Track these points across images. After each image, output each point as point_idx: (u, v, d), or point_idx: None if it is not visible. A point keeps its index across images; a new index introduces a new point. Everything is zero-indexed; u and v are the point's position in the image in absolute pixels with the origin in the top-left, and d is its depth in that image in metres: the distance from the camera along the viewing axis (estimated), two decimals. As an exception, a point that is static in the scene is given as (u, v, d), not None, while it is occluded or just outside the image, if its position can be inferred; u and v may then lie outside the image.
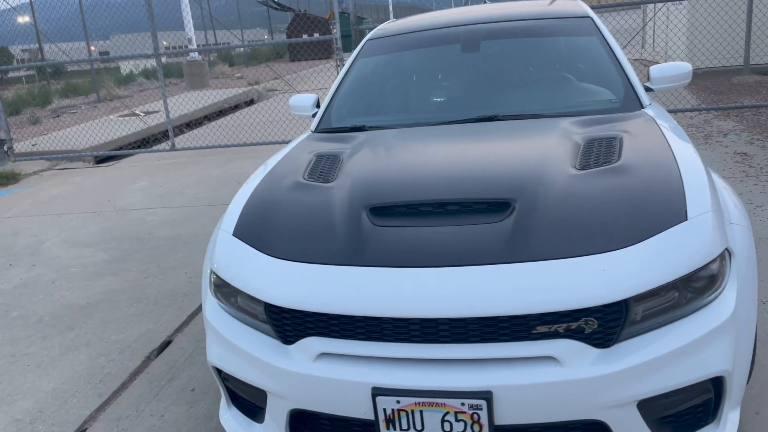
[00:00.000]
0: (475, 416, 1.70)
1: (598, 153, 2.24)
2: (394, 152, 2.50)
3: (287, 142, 7.57)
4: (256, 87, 15.14)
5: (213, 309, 2.19)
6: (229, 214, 2.34)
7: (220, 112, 12.62)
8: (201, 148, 8.09)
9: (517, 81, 3.04)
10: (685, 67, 2.97)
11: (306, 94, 3.48)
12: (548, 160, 2.18)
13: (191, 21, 16.05)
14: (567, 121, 2.60)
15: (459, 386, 1.70)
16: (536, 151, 2.28)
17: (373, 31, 3.66)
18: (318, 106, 3.46)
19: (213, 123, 10.91)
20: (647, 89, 3.07)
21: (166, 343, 3.28)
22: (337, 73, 7.09)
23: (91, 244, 5.02)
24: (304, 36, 18.73)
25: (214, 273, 2.17)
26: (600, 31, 3.21)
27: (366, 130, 2.94)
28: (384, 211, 2.04)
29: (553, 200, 1.94)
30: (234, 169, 7.01)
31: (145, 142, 9.75)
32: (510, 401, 1.69)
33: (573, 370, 1.68)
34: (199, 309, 3.62)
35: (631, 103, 2.80)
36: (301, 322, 1.89)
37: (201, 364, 3.02)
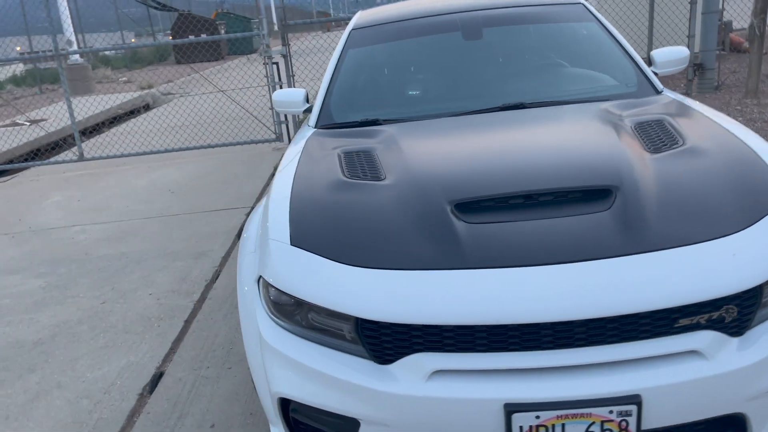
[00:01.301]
0: (623, 423, 1.57)
1: (658, 136, 2.18)
2: (447, 144, 2.31)
3: (215, 146, 7.10)
4: (150, 91, 14.20)
5: (272, 330, 1.91)
6: (273, 222, 2.06)
7: (114, 119, 11.69)
8: (119, 156, 7.39)
9: (529, 68, 2.95)
10: (683, 51, 3.01)
11: (291, 89, 3.19)
12: (620, 144, 2.09)
13: (70, 22, 14.77)
14: (598, 107, 2.54)
15: (606, 392, 1.56)
16: (600, 135, 2.18)
17: (355, 20, 3.43)
18: (308, 101, 3.19)
19: (114, 129, 10.05)
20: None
21: (158, 376, 2.88)
22: (266, 72, 6.74)
23: (17, 271, 4.39)
24: (191, 36, 17.80)
25: (275, 288, 1.88)
26: (596, 17, 3.19)
27: (382, 124, 2.73)
28: (471, 206, 1.86)
29: (656, 184, 1.85)
30: (160, 178, 6.46)
31: (39, 153, 8.80)
32: (659, 403, 1.57)
33: (719, 363, 1.59)
34: (185, 333, 3.23)
35: (647, 87, 2.80)
36: (405, 338, 1.66)
37: (211, 396, 2.67)
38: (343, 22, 21.35)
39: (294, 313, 1.85)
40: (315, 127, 2.91)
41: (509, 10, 3.21)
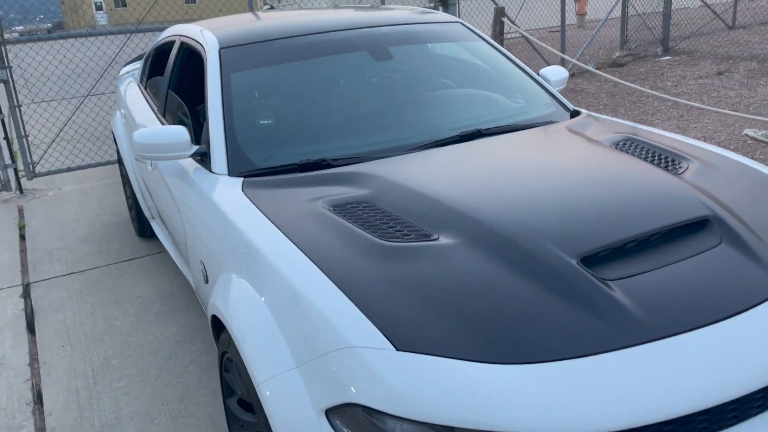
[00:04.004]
0: None
1: (654, 155, 2.16)
2: (481, 184, 1.91)
3: None
4: None
5: None
6: (341, 323, 1.44)
7: None
8: None
9: (458, 93, 2.69)
10: (564, 72, 3.11)
11: (163, 126, 2.37)
12: (656, 169, 2.00)
13: None
14: (560, 130, 2.42)
15: None
16: (622, 160, 2.06)
17: (218, 38, 2.72)
18: (196, 142, 2.41)
19: None
20: None
21: None
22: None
23: None
24: None
25: (402, 420, 1.29)
26: (480, 36, 3.10)
27: (333, 165, 2.19)
28: (598, 259, 1.56)
29: (731, 205, 1.79)
30: None
31: None
32: None
33: None
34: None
35: (564, 107, 2.80)
36: None
37: None
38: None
39: None
40: (233, 176, 2.21)
41: (401, 28, 2.91)
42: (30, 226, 4.79)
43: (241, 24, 2.94)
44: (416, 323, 1.40)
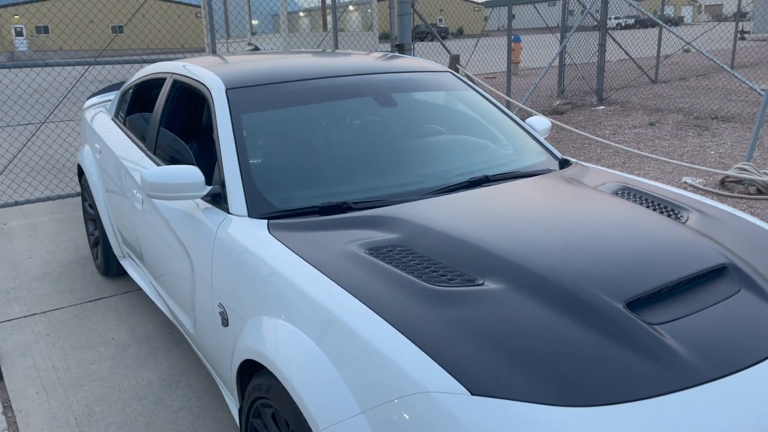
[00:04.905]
0: None
1: (654, 204, 2.32)
2: (508, 229, 1.99)
3: None
4: None
5: None
6: (413, 367, 1.45)
7: None
8: None
9: (451, 140, 2.79)
10: (547, 122, 3.28)
11: (172, 166, 2.33)
12: (662, 217, 2.14)
13: None
14: (561, 178, 2.55)
15: None
16: (634, 210, 2.19)
17: (222, 79, 2.71)
18: (209, 183, 2.37)
19: None
20: None
21: None
22: None
23: None
24: None
25: None
26: (470, 85, 3.23)
27: (353, 209, 2.22)
28: (639, 304, 1.65)
29: (742, 254, 1.94)
30: None
31: None
32: None
33: None
34: None
35: (553, 156, 2.95)
36: None
37: None
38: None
39: None
40: (253, 217, 2.20)
41: (398, 75, 3.00)
42: (-22, 263, 4.50)
43: (239, 65, 2.95)
44: (484, 367, 1.44)
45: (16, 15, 54.50)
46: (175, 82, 3.10)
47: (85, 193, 4.20)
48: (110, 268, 4.02)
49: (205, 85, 2.74)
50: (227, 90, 2.65)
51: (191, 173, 2.31)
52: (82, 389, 2.93)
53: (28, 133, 10.25)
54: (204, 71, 2.85)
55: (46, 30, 55.25)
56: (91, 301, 3.85)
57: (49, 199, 5.52)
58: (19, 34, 53.95)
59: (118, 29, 57.68)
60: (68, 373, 3.07)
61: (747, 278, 1.81)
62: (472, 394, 1.39)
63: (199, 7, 58.53)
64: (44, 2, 55.05)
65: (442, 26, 58.04)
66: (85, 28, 56.72)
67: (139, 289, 3.99)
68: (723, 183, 5.69)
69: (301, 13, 26.21)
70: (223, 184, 2.35)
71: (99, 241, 4.05)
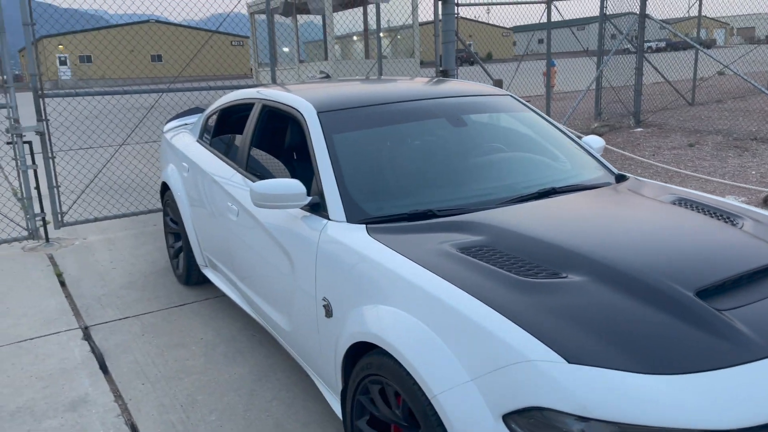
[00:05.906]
0: None
1: (711, 212, 2.57)
2: (590, 231, 2.27)
3: None
4: None
5: None
6: (516, 340, 1.73)
7: None
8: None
9: (517, 156, 3.08)
10: (601, 141, 3.55)
11: (276, 179, 2.67)
12: (720, 221, 2.40)
13: None
14: (623, 190, 2.82)
15: None
16: (695, 215, 2.45)
17: (313, 104, 3.06)
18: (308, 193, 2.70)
19: None
20: None
21: None
22: (15, 154, 5.30)
23: None
24: None
25: (591, 420, 1.58)
26: (528, 107, 3.53)
27: (438, 216, 2.52)
28: (710, 292, 1.91)
29: None
30: None
31: None
32: None
33: None
34: None
35: (610, 171, 3.22)
36: None
37: None
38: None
39: None
40: (351, 222, 2.52)
41: (466, 99, 3.32)
42: (67, 273, 4.91)
43: (322, 90, 3.31)
44: (576, 342, 1.71)
45: (61, 45, 56.84)
46: (264, 107, 3.46)
47: (168, 208, 4.59)
48: (191, 276, 4.38)
49: (297, 110, 3.09)
50: (319, 113, 2.99)
51: (295, 185, 2.64)
52: (183, 381, 3.26)
53: (89, 156, 10.85)
54: (295, 97, 3.20)
55: (89, 59, 57.47)
56: (176, 306, 4.21)
57: (125, 215, 5.94)
58: (63, 63, 56.21)
59: (157, 58, 59.72)
60: (167, 367, 3.40)
61: None
62: (569, 363, 1.66)
63: (235, 36, 60.33)
64: (87, 33, 57.35)
65: (472, 51, 58.78)
66: (125, 57, 58.86)
67: (219, 295, 4.33)
68: (766, 201, 5.86)
69: (335, 41, 26.96)
70: (321, 195, 2.67)
71: (181, 251, 4.41)
